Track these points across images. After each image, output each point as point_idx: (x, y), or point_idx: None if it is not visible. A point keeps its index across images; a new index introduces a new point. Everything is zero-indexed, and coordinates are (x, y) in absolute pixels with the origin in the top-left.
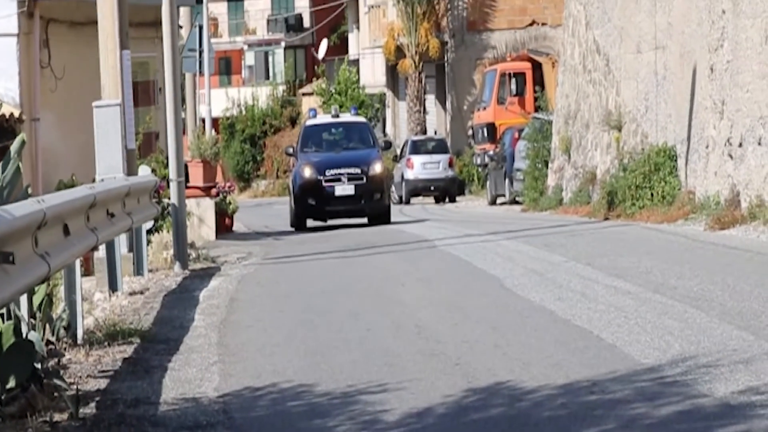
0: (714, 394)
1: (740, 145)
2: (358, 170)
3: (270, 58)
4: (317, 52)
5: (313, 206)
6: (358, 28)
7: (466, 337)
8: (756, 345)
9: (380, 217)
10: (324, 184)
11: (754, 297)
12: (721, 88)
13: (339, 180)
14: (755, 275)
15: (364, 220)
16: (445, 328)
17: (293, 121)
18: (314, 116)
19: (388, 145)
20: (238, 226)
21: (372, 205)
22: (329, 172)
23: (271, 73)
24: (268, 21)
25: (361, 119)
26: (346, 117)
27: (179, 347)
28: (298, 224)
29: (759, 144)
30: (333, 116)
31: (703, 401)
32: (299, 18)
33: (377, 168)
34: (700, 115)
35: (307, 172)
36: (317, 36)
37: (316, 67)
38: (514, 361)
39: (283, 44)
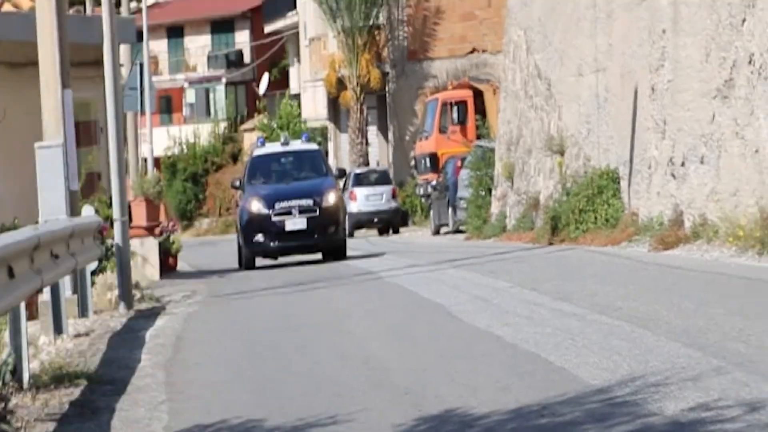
0: (664, 413)
1: (683, 164)
2: (310, 201)
3: (211, 95)
4: (258, 88)
5: (261, 243)
6: (299, 61)
7: (414, 365)
8: (704, 362)
9: (335, 252)
10: (273, 218)
11: (699, 315)
12: (662, 107)
13: (289, 213)
14: (700, 294)
15: (319, 256)
16: (393, 357)
17: (235, 158)
18: (262, 145)
19: (342, 173)
20: (182, 265)
21: (326, 239)
22: (279, 205)
23: (212, 110)
24: (209, 57)
25: (313, 147)
26: (297, 145)
27: (126, 388)
28: (247, 264)
29: (701, 162)
30: (282, 144)
31: (653, 420)
32: (240, 54)
33: (331, 198)
34: (642, 136)
35: (255, 206)
36: (258, 71)
37: (257, 102)
38: (464, 388)
39: (224, 80)
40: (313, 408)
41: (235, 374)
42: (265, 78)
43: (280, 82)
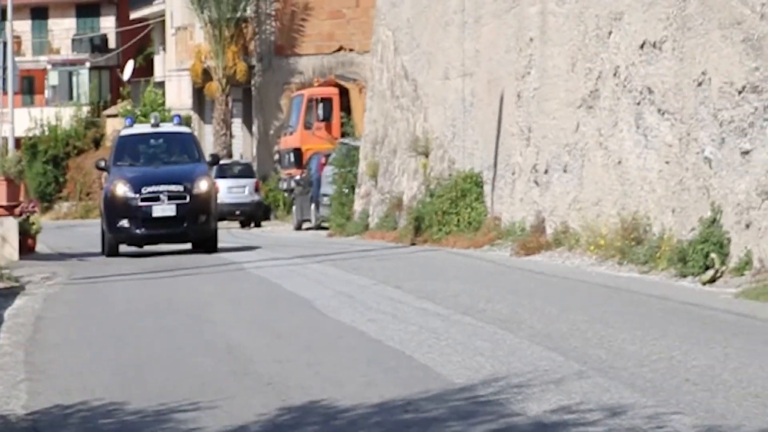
0: (527, 413)
1: (546, 172)
2: (180, 187)
3: (74, 79)
4: (123, 74)
5: (126, 229)
6: (164, 50)
7: (278, 356)
8: (566, 365)
9: (206, 242)
10: (140, 203)
11: (561, 320)
12: (527, 115)
13: (158, 199)
14: (562, 299)
15: (188, 246)
16: (256, 347)
17: (97, 143)
18: (131, 125)
19: (216, 159)
20: (41, 247)
21: (196, 228)
22: (146, 190)
23: (75, 94)
24: (73, 41)
25: (185, 129)
26: (168, 127)
27: None
28: (110, 251)
29: (564, 171)
30: (153, 125)
31: (516, 420)
32: (105, 39)
33: (203, 185)
34: (507, 142)
35: (120, 189)
36: (123, 57)
37: (121, 88)
38: (328, 380)
39: (87, 65)
40: (175, 394)
41: (96, 356)
42: (130, 64)
43: (145, 69)
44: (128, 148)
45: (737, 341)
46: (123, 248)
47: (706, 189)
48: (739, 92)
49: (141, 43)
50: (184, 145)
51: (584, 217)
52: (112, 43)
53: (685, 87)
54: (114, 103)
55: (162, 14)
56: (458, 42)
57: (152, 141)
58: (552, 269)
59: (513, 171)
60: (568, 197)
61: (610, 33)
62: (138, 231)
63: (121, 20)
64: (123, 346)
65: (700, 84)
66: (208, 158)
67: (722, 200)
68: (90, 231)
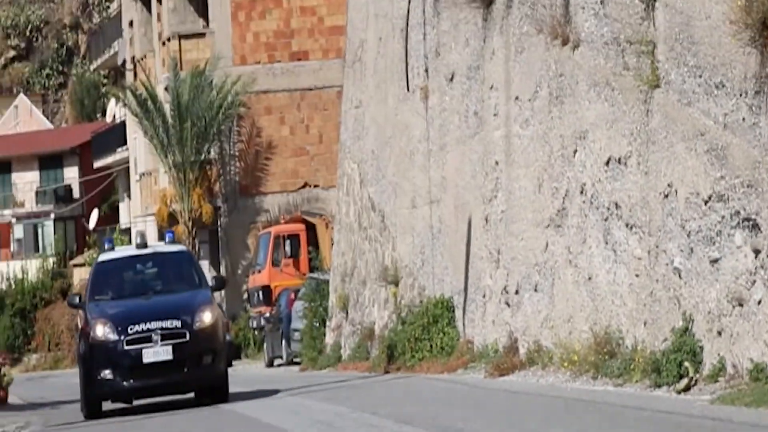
0: None
1: (516, 292)
2: (177, 322)
3: (39, 230)
4: (88, 223)
5: (109, 382)
6: (129, 196)
7: None
8: None
9: (214, 391)
10: (125, 346)
11: None
12: (496, 237)
13: (149, 340)
14: (538, 415)
15: (191, 395)
16: None
17: (64, 294)
18: (111, 248)
19: (222, 282)
20: (12, 399)
21: (201, 374)
22: (133, 329)
23: (41, 246)
24: (37, 193)
25: (180, 248)
26: (158, 246)
27: None
28: (90, 409)
29: (535, 290)
30: (138, 246)
31: None
32: (68, 189)
33: (206, 317)
34: (477, 265)
35: (100, 331)
36: (87, 206)
37: (87, 237)
38: None
39: (52, 216)
40: None
41: None
42: (95, 213)
43: (110, 216)
44: (109, 278)
45: None
46: (108, 404)
47: (677, 299)
48: (706, 202)
49: (105, 191)
50: (181, 268)
51: (557, 335)
52: (76, 193)
53: (651, 200)
54: (80, 252)
55: (126, 161)
56: (424, 170)
57: (139, 266)
58: (527, 388)
59: (483, 294)
60: (539, 316)
61: (575, 152)
62: (125, 383)
63: (85, 170)
64: None
65: (666, 196)
66: (211, 282)
67: (693, 309)
68: (61, 381)
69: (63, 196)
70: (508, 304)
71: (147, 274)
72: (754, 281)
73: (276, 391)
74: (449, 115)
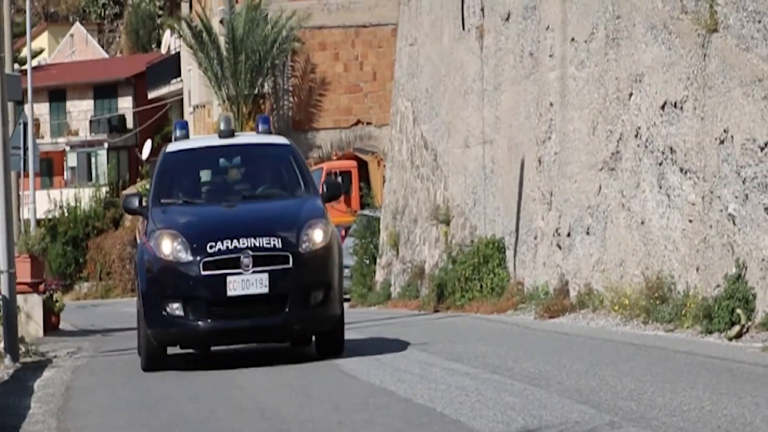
0: None
1: (568, 235)
2: (276, 241)
3: (93, 159)
4: (141, 153)
5: (179, 320)
6: None
7: (310, 416)
8: (597, 417)
9: (326, 339)
10: (202, 271)
11: (590, 375)
12: (549, 179)
13: (236, 264)
14: (589, 357)
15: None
16: (288, 409)
17: (116, 223)
18: (184, 134)
19: (335, 189)
20: (64, 325)
21: (307, 315)
22: (214, 247)
23: (93, 175)
24: (91, 122)
25: (281, 140)
26: (249, 136)
27: None
28: (150, 360)
29: (587, 233)
30: (222, 134)
31: None
32: (122, 119)
33: (317, 235)
34: (529, 207)
35: (167, 247)
36: (141, 137)
37: (140, 167)
38: None
39: (106, 145)
40: None
41: (128, 422)
42: (148, 144)
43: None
44: (181, 175)
45: (767, 391)
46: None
47: (731, 246)
48: (762, 149)
49: (159, 122)
50: (280, 167)
51: (608, 279)
52: (129, 123)
53: (707, 145)
54: (133, 182)
55: (180, 93)
56: (478, 110)
57: (222, 161)
58: (577, 330)
59: (535, 235)
60: (591, 259)
61: (630, 95)
62: (200, 323)
63: (139, 100)
64: (154, 412)
65: (722, 142)
66: (321, 188)
67: (747, 256)
68: (111, 310)
69: (117, 125)
70: (559, 247)
71: (233, 173)
72: None
73: None
74: (504, 55)
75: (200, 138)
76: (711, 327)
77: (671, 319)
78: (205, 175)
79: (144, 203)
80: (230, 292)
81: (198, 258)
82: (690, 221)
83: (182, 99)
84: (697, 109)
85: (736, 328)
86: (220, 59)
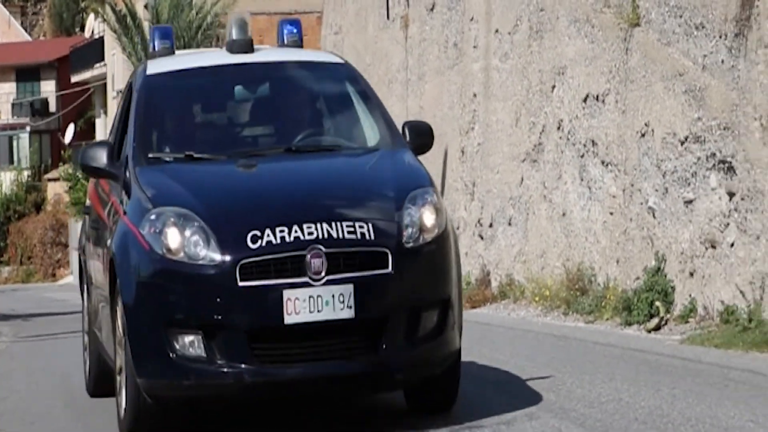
0: None
1: (491, 225)
2: (363, 228)
3: (15, 143)
4: (64, 137)
5: (197, 364)
6: (105, 113)
7: None
8: (515, 408)
9: (432, 386)
10: (239, 282)
11: (509, 365)
12: (471, 170)
13: (298, 268)
14: (509, 347)
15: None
16: None
17: (38, 207)
18: (168, 47)
19: (426, 134)
20: None
21: (414, 355)
22: (260, 239)
23: (15, 158)
24: (13, 105)
25: (330, 57)
26: (276, 52)
27: None
28: (134, 421)
29: (509, 224)
30: (236, 48)
31: None
32: (45, 102)
33: (428, 218)
34: (452, 197)
35: (175, 239)
36: (64, 121)
37: (62, 152)
38: None
39: (28, 128)
40: None
41: (47, 408)
42: (71, 128)
43: (87, 132)
44: (176, 114)
45: (684, 383)
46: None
47: (650, 239)
48: (682, 143)
49: (82, 106)
50: (336, 100)
51: (529, 270)
52: (52, 107)
53: (628, 139)
54: (55, 166)
55: (103, 77)
56: (402, 99)
57: (239, 89)
58: (498, 320)
59: (458, 225)
60: (513, 250)
61: (553, 87)
62: (235, 370)
63: (62, 84)
64: (78, 395)
65: (643, 135)
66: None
67: (666, 249)
68: (31, 294)
69: (39, 109)
70: (481, 237)
71: (262, 109)
72: (728, 224)
73: None
74: (429, 45)
75: (196, 53)
76: (630, 319)
77: (591, 310)
78: (215, 114)
79: (119, 158)
80: (289, 318)
81: (231, 258)
82: (611, 214)
83: (106, 83)
84: (618, 103)
85: (655, 320)
86: (144, 44)
